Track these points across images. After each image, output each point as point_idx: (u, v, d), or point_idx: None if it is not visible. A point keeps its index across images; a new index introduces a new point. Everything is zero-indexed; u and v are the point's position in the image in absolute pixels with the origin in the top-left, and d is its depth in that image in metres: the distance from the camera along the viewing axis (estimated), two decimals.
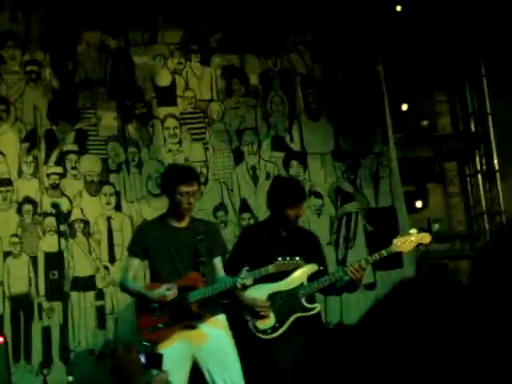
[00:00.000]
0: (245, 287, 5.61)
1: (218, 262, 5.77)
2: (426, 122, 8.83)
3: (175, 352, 5.37)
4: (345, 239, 8.32)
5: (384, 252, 5.80)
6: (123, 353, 3.81)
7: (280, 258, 5.64)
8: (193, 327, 5.56)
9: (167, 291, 5.54)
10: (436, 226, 8.78)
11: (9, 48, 7.63)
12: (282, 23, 8.27)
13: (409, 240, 5.86)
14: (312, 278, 5.95)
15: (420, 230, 6.09)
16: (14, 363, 7.14)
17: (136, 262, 5.81)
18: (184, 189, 5.58)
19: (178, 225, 5.74)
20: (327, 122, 8.46)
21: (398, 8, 8.30)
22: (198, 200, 7.01)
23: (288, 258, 5.65)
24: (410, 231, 6.02)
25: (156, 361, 4.57)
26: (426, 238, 5.94)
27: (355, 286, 6.04)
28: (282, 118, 8.37)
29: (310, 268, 5.92)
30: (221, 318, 5.69)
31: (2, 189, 7.47)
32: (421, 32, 8.40)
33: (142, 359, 4.24)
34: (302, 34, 8.46)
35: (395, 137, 8.57)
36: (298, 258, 5.67)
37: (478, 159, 9.20)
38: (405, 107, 8.69)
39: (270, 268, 5.62)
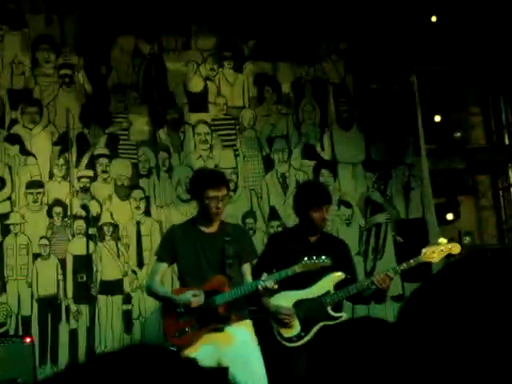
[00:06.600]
0: (269, 291, 5.56)
1: (247, 268, 5.72)
2: (458, 134, 8.72)
3: (201, 356, 5.31)
4: (374, 250, 8.26)
5: (412, 262, 5.69)
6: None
7: (306, 258, 5.57)
8: (219, 330, 5.53)
9: (193, 297, 5.51)
10: (467, 239, 8.66)
11: (43, 51, 7.70)
12: (315, 31, 8.24)
13: (438, 250, 5.74)
14: (340, 286, 5.89)
15: (450, 241, 5.99)
16: (40, 365, 7.11)
17: (164, 267, 5.78)
18: (212, 193, 5.54)
19: (206, 230, 5.70)
20: (359, 131, 8.42)
21: (433, 19, 8.22)
22: (227, 206, 7.05)
23: (314, 258, 5.58)
24: (439, 240, 5.91)
25: None
26: (455, 248, 5.81)
27: (382, 296, 5.97)
28: (314, 126, 8.34)
29: (337, 276, 5.86)
30: (247, 323, 5.65)
31: (33, 191, 7.52)
32: (455, 43, 8.32)
33: None
34: (335, 42, 8.43)
35: (427, 148, 8.48)
36: (324, 257, 5.58)
37: (510, 173, 9.08)
38: (438, 118, 8.59)
39: (297, 268, 5.55)
